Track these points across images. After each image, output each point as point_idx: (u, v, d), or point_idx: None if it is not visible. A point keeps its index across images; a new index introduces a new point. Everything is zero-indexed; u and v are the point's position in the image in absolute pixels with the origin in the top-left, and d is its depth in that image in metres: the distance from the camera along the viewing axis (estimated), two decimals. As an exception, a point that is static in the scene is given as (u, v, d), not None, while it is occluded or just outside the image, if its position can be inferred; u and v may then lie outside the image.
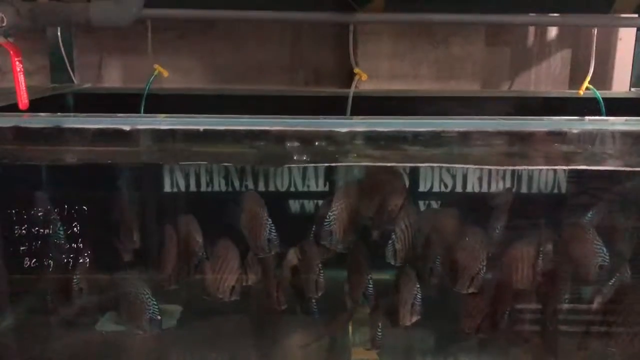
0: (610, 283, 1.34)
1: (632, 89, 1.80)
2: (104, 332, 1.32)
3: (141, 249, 1.38)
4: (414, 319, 1.24)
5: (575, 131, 1.07)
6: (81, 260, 1.26)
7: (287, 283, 1.35)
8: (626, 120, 1.07)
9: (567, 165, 1.43)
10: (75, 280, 1.26)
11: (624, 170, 1.26)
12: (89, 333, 1.32)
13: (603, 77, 1.93)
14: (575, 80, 1.84)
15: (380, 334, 1.27)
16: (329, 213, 1.29)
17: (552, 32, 1.94)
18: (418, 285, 1.24)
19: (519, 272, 1.28)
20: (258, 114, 1.09)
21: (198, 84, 1.91)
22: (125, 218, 1.34)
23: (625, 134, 1.06)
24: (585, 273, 1.30)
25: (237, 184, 1.58)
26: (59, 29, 1.74)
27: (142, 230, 1.37)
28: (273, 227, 1.27)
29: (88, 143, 1.06)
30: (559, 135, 1.09)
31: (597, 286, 1.34)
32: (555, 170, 1.53)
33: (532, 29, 1.93)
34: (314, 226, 1.34)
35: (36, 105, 1.23)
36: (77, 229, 1.25)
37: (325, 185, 1.61)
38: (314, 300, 1.29)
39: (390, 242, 1.26)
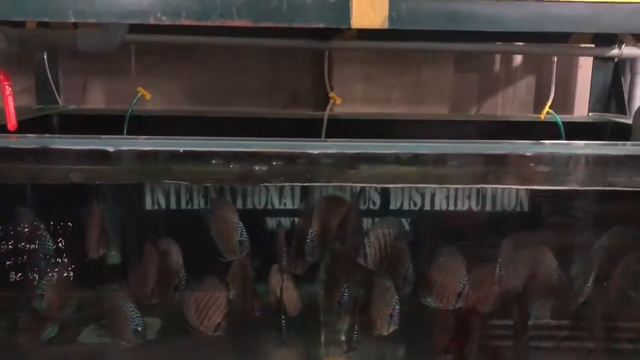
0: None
1: (590, 114, 1.90)
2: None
3: (122, 264, 1.43)
4: (392, 328, 1.28)
5: (530, 154, 1.17)
6: (66, 275, 1.31)
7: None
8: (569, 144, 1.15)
9: (525, 185, 1.53)
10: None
11: (582, 190, 1.36)
12: (71, 345, 1.36)
13: (565, 103, 2.05)
14: (540, 105, 1.94)
15: (356, 336, 1.32)
16: (311, 230, 1.36)
17: (517, 59, 2.05)
18: (396, 297, 1.28)
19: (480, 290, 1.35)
20: (237, 135, 1.16)
21: (179, 106, 1.98)
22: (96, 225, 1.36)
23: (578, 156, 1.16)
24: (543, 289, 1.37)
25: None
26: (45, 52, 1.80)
27: (122, 245, 1.42)
28: (244, 230, 1.32)
29: (74, 163, 1.13)
30: (518, 157, 1.18)
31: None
32: (517, 190, 1.62)
33: (498, 57, 2.03)
34: (293, 242, 1.39)
35: (23, 126, 1.28)
36: (61, 244, 1.30)
37: (300, 203, 1.67)
38: (283, 318, 1.34)
39: (363, 246, 1.33)
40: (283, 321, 1.35)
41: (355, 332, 1.33)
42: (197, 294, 1.33)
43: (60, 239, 1.31)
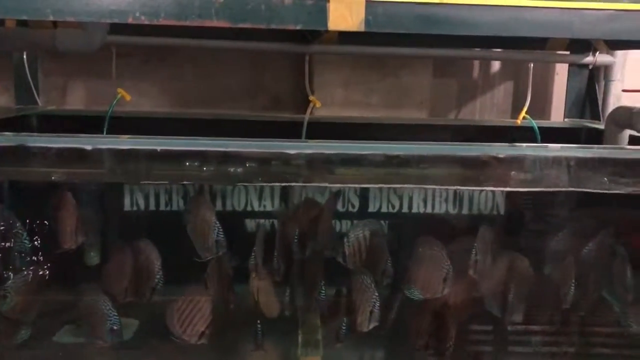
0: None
1: (566, 120, 1.94)
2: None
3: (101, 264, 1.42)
4: (372, 325, 1.29)
5: (503, 156, 1.19)
6: (41, 273, 1.30)
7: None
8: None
9: (502, 187, 1.55)
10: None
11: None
12: (47, 345, 1.35)
13: (542, 108, 2.08)
14: (517, 110, 1.97)
15: (344, 328, 1.33)
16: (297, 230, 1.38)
17: (496, 65, 2.09)
18: (376, 294, 1.30)
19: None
20: (218, 137, 1.17)
21: (161, 108, 1.98)
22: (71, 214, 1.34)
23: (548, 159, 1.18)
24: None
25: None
26: (24, 52, 1.79)
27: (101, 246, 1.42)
28: (221, 229, 1.31)
29: (51, 162, 1.13)
30: (494, 160, 1.20)
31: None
32: (493, 192, 1.65)
33: (476, 63, 2.07)
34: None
35: (1, 126, 1.28)
36: (37, 242, 1.29)
37: (280, 204, 1.68)
38: (258, 323, 1.35)
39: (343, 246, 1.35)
40: (259, 325, 1.35)
41: (343, 325, 1.33)
42: (180, 302, 1.32)
43: (37, 237, 1.30)
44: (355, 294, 1.33)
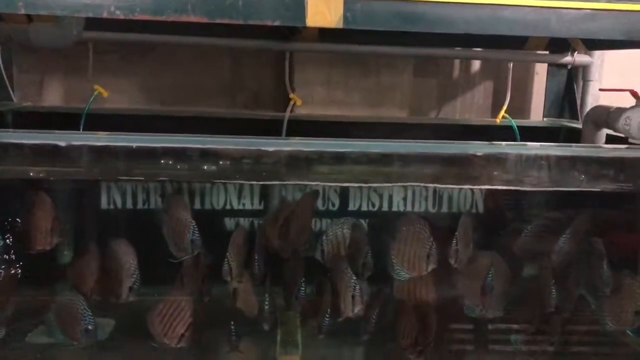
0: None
1: (545, 119, 1.95)
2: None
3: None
4: (357, 309, 1.29)
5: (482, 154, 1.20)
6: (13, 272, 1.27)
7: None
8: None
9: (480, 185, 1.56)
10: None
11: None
12: (19, 345, 1.32)
13: (522, 108, 2.10)
14: (497, 110, 1.98)
15: (327, 319, 1.33)
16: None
17: (476, 65, 2.10)
18: (354, 278, 1.30)
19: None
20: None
21: (139, 105, 1.96)
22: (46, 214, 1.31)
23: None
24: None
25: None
26: (-1, 47, 1.76)
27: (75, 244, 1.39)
28: (196, 229, 1.30)
29: (25, 158, 1.11)
30: (471, 158, 1.21)
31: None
32: (472, 191, 1.65)
33: (457, 62, 2.07)
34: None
35: (-27, 122, 1.25)
36: (9, 241, 1.27)
37: (260, 203, 1.67)
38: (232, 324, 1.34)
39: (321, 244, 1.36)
40: (232, 327, 1.33)
41: (326, 316, 1.33)
42: (160, 305, 1.31)
43: (9, 236, 1.27)
44: (336, 282, 1.33)
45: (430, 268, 1.31)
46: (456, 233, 1.33)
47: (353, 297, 1.28)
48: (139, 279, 1.33)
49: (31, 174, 1.09)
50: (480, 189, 1.63)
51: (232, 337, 1.33)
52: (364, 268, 1.33)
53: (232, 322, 1.33)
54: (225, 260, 1.32)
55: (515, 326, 1.48)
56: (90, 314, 1.23)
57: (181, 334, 1.28)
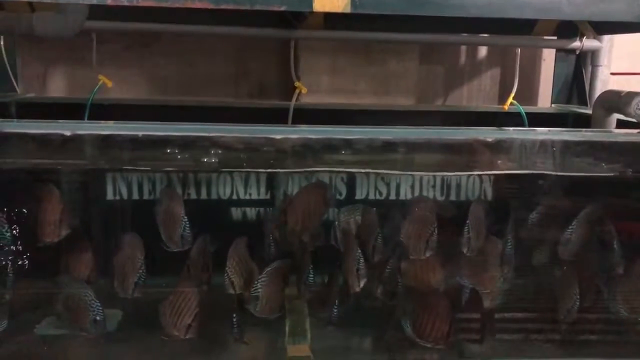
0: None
1: (553, 105, 1.93)
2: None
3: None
4: (362, 283, 1.27)
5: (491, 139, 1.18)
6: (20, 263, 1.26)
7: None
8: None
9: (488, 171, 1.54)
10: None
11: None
12: (28, 336, 1.32)
13: (529, 94, 2.08)
14: (504, 97, 1.97)
15: (336, 310, 1.33)
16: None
17: (483, 52, 2.07)
18: (360, 251, 1.29)
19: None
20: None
21: (143, 95, 1.94)
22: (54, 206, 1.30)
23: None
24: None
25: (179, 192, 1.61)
26: (1, 38, 1.74)
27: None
28: (187, 224, 1.30)
29: (29, 148, 1.10)
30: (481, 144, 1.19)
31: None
32: (480, 180, 1.64)
33: (463, 50, 2.05)
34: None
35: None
36: (16, 231, 1.26)
37: (266, 193, 1.66)
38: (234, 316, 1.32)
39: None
40: (234, 319, 1.32)
41: (335, 307, 1.33)
42: (171, 296, 1.29)
43: (15, 226, 1.26)
44: (345, 259, 1.32)
45: (427, 253, 1.29)
46: (467, 221, 1.31)
47: (358, 270, 1.27)
48: (144, 274, 1.32)
49: (38, 164, 1.08)
50: (489, 177, 1.62)
51: (234, 329, 1.32)
52: (374, 250, 1.33)
53: (234, 315, 1.32)
54: (225, 274, 1.30)
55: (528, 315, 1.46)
56: (99, 304, 1.22)
57: (188, 324, 1.27)
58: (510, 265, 1.35)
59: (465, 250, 1.31)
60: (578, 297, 1.33)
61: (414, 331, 1.27)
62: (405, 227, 1.32)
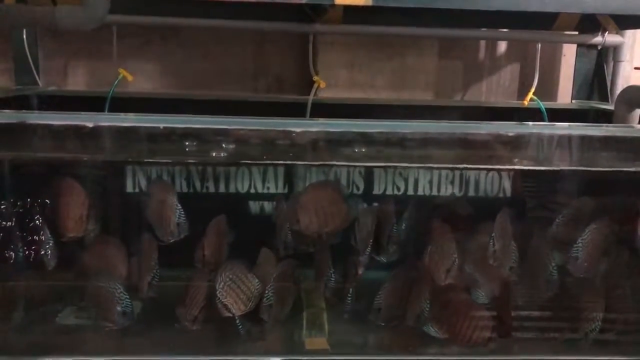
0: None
1: (573, 101, 1.91)
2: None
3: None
4: (392, 249, 1.32)
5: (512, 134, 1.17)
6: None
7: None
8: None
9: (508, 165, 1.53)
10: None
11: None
12: (50, 325, 1.33)
13: (549, 90, 2.05)
14: (524, 92, 1.95)
15: (350, 299, 1.35)
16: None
17: (502, 47, 2.06)
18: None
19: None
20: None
21: (163, 89, 1.96)
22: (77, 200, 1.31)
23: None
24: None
25: (198, 185, 1.62)
26: (24, 31, 1.76)
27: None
28: (182, 212, 1.30)
29: (51, 139, 1.11)
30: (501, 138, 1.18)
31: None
32: (500, 176, 1.62)
33: (483, 45, 2.04)
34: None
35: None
36: (39, 221, 1.28)
37: (284, 187, 1.66)
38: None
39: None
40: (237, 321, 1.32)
41: (349, 296, 1.35)
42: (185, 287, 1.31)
43: (38, 216, 1.28)
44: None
45: (447, 281, 1.30)
46: (493, 234, 1.30)
47: (389, 236, 1.31)
48: (158, 273, 1.33)
49: (59, 155, 1.09)
50: (509, 173, 1.60)
51: (238, 328, 1.31)
52: (389, 240, 1.34)
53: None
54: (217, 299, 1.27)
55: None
56: (127, 297, 1.23)
57: (195, 316, 1.28)
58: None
59: (491, 262, 1.31)
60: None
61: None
62: (428, 253, 1.34)
